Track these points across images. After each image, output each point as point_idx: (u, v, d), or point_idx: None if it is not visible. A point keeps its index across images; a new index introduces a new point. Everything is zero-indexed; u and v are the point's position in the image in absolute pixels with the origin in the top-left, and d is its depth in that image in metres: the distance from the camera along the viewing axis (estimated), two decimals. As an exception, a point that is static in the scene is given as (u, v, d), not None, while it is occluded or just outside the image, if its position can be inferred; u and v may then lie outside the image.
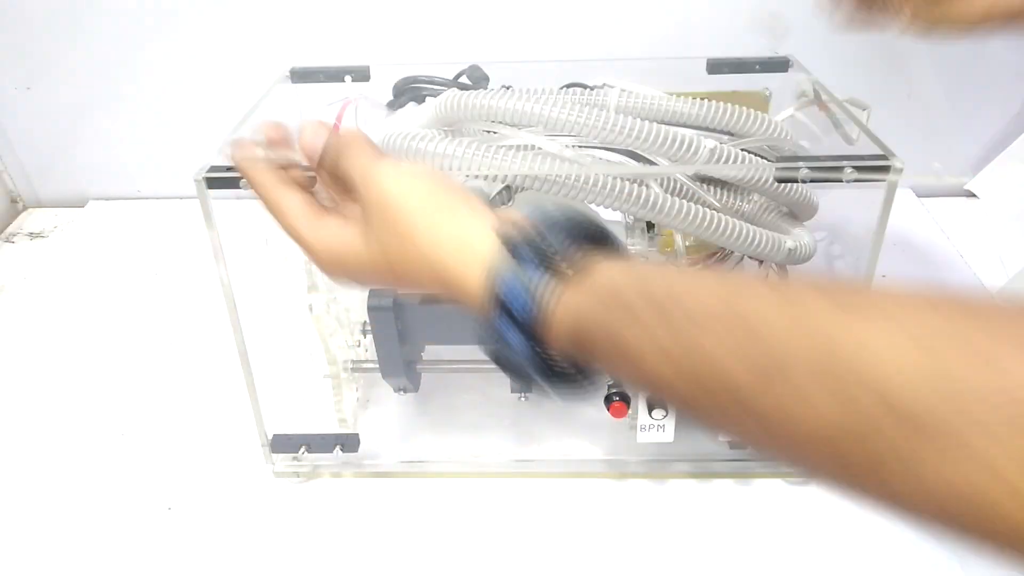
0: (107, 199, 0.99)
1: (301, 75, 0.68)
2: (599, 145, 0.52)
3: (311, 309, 0.56)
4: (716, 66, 0.66)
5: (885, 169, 0.46)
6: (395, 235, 0.36)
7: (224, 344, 0.54)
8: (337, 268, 0.40)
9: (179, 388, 0.69)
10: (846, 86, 0.59)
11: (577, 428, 0.63)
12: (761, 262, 0.59)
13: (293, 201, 0.40)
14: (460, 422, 0.64)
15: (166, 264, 0.85)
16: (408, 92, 0.64)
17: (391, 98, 0.66)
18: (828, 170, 0.47)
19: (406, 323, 0.55)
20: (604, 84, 0.59)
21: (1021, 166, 0.88)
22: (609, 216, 0.58)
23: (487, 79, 0.65)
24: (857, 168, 0.46)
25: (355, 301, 0.59)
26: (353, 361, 0.62)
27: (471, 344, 0.61)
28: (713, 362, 0.25)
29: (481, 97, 0.51)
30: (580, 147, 0.52)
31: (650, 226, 0.60)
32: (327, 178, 0.41)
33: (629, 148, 0.51)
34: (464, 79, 0.65)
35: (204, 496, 0.59)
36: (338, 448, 0.59)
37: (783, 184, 0.53)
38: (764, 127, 0.53)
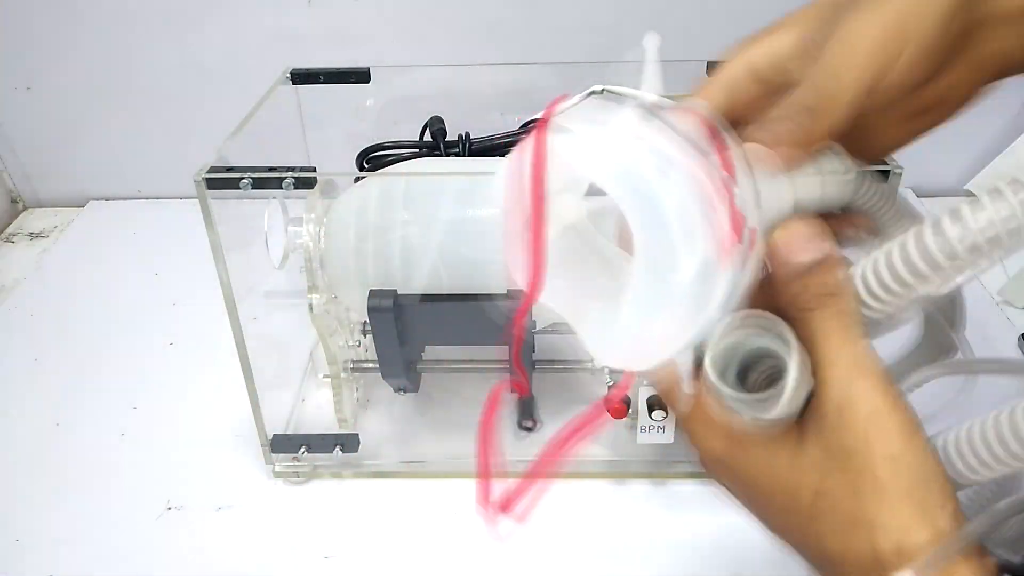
0: (107, 199, 0.99)
1: (301, 76, 0.68)
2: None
3: (311, 309, 0.56)
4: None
5: (884, 173, 0.47)
6: (843, 493, 0.26)
7: (224, 344, 0.55)
8: (733, 478, 0.30)
9: (179, 388, 0.69)
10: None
11: (577, 428, 0.63)
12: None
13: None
14: (460, 422, 0.64)
15: (166, 264, 0.85)
16: (371, 162, 0.63)
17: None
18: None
19: (406, 323, 0.55)
20: (603, 89, 0.59)
21: (1021, 166, 0.88)
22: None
23: (444, 132, 0.64)
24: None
25: (355, 301, 0.59)
26: (353, 361, 0.62)
27: (471, 344, 0.62)
28: None
29: None
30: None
31: None
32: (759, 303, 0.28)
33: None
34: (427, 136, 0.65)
35: (204, 496, 0.59)
36: (338, 448, 0.59)
37: None
38: None
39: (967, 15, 0.29)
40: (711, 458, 0.30)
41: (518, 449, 0.62)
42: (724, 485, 0.31)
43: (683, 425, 0.31)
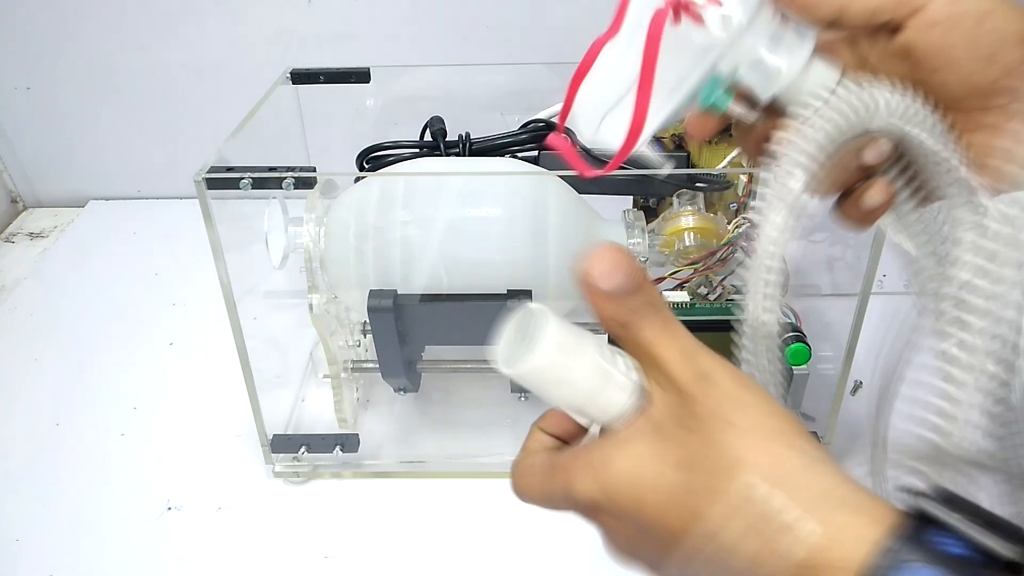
0: (107, 199, 0.99)
1: (301, 76, 0.68)
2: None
3: (311, 309, 0.56)
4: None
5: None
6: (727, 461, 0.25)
7: (224, 344, 0.55)
8: (624, 515, 0.27)
9: (179, 388, 0.69)
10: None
11: (577, 428, 0.63)
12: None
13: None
14: (460, 422, 0.64)
15: (166, 264, 0.85)
16: (371, 162, 0.63)
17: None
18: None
19: (406, 323, 0.55)
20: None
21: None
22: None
23: (444, 132, 0.64)
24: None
25: (355, 301, 0.59)
26: (353, 361, 0.62)
27: (471, 344, 0.62)
28: None
29: None
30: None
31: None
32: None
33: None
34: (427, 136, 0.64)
35: (204, 496, 0.59)
36: (338, 448, 0.59)
37: None
38: None
39: None
40: (589, 503, 0.27)
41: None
42: (615, 532, 0.28)
43: (543, 491, 0.29)
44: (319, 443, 0.59)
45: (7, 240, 0.94)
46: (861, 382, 0.66)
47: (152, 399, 0.68)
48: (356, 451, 0.59)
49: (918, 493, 0.24)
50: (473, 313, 0.55)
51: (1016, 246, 0.29)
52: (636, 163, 0.59)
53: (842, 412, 0.56)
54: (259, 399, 0.57)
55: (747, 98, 0.32)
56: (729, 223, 0.59)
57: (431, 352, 0.62)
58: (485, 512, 0.57)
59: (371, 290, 0.54)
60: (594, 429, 0.29)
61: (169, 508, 0.58)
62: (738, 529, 0.24)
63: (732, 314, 0.52)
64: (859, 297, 0.51)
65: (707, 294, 0.59)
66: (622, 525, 0.27)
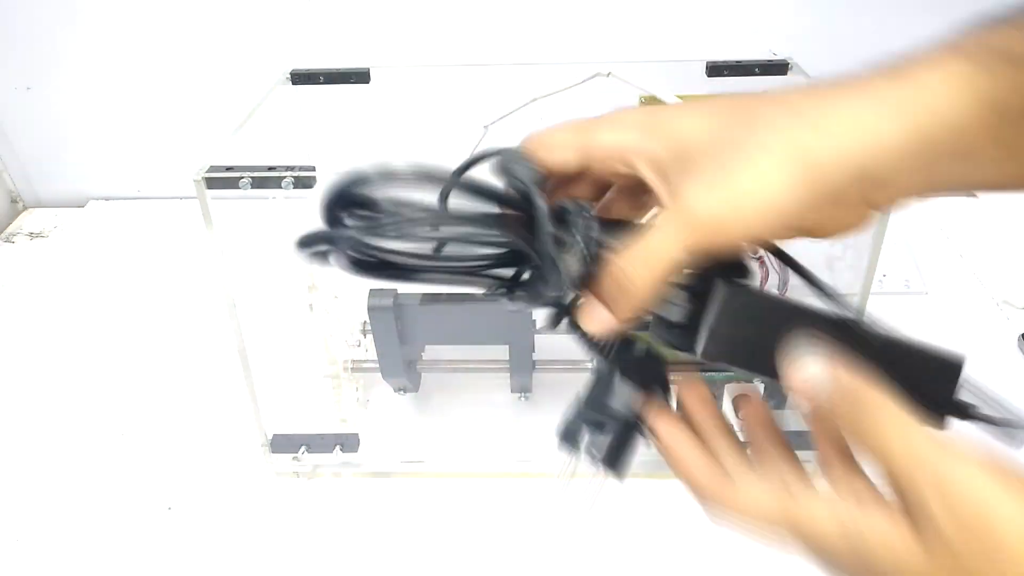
0: (107, 199, 0.99)
1: (301, 76, 0.68)
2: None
3: (311, 309, 0.56)
4: (716, 69, 0.67)
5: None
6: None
7: (224, 344, 0.55)
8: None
9: (179, 388, 0.69)
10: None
11: (577, 428, 0.63)
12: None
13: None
14: (460, 422, 0.64)
15: (166, 264, 0.85)
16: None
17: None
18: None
19: (406, 323, 0.55)
20: (610, 73, 0.59)
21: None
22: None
23: None
24: None
25: (355, 301, 0.59)
26: (353, 361, 0.62)
27: (471, 344, 0.62)
28: None
29: None
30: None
31: None
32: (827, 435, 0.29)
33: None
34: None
35: (204, 496, 0.59)
36: (338, 448, 0.59)
37: None
38: None
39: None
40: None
41: (517, 450, 0.62)
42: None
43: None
44: (319, 443, 0.59)
45: (7, 240, 0.94)
46: (861, 382, 0.66)
47: (152, 399, 0.68)
48: (356, 451, 0.59)
49: None
50: (473, 313, 0.55)
51: None
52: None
53: (842, 412, 0.56)
54: (259, 399, 0.57)
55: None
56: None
57: (431, 352, 0.62)
58: (485, 512, 0.57)
59: (371, 290, 0.54)
60: None
61: (169, 508, 0.58)
62: None
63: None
64: (859, 297, 0.51)
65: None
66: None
